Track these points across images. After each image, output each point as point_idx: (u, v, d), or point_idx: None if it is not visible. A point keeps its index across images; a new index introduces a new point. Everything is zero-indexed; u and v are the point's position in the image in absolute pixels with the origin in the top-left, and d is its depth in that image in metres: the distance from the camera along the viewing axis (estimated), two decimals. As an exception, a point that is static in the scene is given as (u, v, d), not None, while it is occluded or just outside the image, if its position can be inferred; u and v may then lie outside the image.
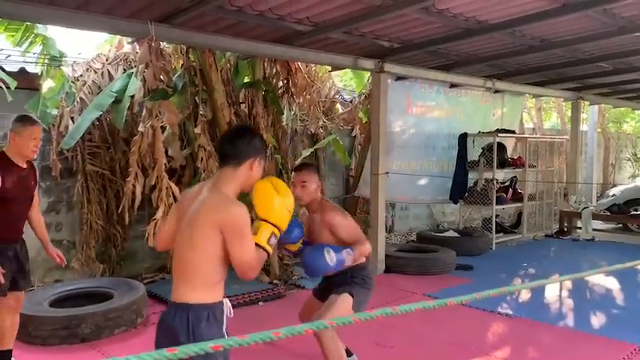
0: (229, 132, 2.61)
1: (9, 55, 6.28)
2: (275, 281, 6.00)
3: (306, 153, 7.74)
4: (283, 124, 7.16)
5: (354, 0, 4.38)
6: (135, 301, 4.46)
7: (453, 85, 8.11)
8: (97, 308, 4.29)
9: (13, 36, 6.03)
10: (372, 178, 6.73)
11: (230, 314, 2.19)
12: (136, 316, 4.47)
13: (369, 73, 7.87)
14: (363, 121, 8.52)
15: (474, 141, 8.45)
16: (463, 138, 8.27)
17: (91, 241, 5.91)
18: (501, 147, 8.59)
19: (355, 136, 8.84)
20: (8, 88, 5.43)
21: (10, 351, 3.61)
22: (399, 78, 7.34)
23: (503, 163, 8.66)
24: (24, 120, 3.39)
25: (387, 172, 6.70)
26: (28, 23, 5.73)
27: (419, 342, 4.31)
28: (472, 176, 8.47)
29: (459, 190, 8.33)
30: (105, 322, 4.19)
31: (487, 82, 8.09)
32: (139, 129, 5.53)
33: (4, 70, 5.68)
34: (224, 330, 2.13)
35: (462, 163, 8.26)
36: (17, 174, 3.37)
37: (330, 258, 2.93)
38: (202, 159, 6.01)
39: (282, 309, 5.19)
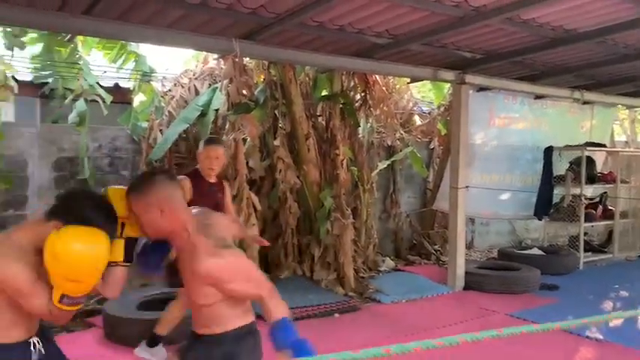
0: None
1: (105, 72, 6.75)
2: (350, 293, 5.99)
3: (383, 165, 7.70)
4: (360, 136, 7.18)
5: (435, 12, 4.33)
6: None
7: (538, 97, 7.79)
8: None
9: (108, 54, 6.49)
10: (451, 191, 6.58)
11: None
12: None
13: (448, 85, 7.74)
14: (442, 133, 8.36)
15: (560, 154, 8.06)
16: (549, 151, 7.90)
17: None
18: (590, 161, 8.12)
19: (433, 148, 8.70)
20: (104, 102, 5.83)
21: None
22: (481, 89, 7.15)
23: (593, 179, 8.17)
24: (205, 141, 4.09)
25: (467, 186, 6.53)
26: (122, 42, 6.14)
27: (500, 364, 4.14)
28: (558, 192, 8.07)
29: (544, 206, 7.95)
30: (188, 326, 4.33)
31: (575, 93, 7.70)
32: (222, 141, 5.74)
33: (100, 85, 6.11)
34: None
35: (548, 178, 7.89)
36: (205, 187, 3.90)
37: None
38: (281, 170, 6.15)
39: (357, 321, 5.17)
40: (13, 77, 5.24)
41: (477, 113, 7.08)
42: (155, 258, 2.10)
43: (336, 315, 5.33)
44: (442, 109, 8.41)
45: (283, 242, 6.48)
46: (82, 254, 1.79)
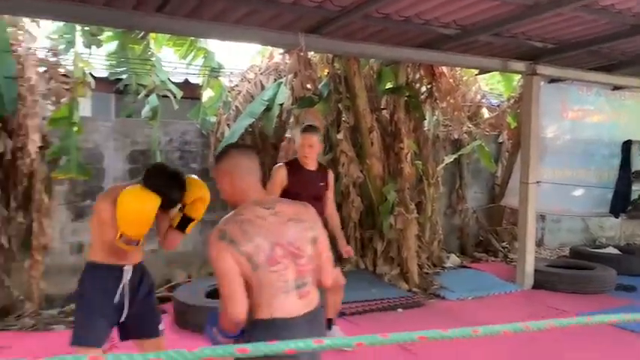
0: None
1: (175, 68, 6.98)
2: (414, 289, 5.93)
3: (449, 159, 7.54)
4: (425, 129, 7.06)
5: (505, 1, 4.19)
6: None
7: (616, 88, 7.37)
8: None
9: (179, 50, 6.71)
10: (521, 187, 6.36)
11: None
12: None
13: (518, 76, 7.47)
14: (512, 127, 8.09)
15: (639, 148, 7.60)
16: (627, 145, 7.46)
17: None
18: (674, 156, 7.62)
19: (502, 142, 8.43)
20: (175, 97, 6.03)
21: None
22: (553, 80, 6.85)
23: (676, 174, 7.66)
24: (301, 130, 4.21)
25: (538, 182, 6.29)
26: (192, 38, 6.32)
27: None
28: (637, 188, 7.62)
29: (622, 203, 7.53)
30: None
31: (658, 83, 7.23)
32: (286, 135, 5.81)
33: (171, 81, 6.33)
34: None
35: (626, 173, 7.46)
36: (304, 176, 3.94)
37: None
38: (344, 164, 6.15)
39: (421, 317, 5.11)
40: (91, 74, 5.50)
41: (548, 105, 6.80)
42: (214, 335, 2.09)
43: (400, 310, 5.29)
44: (512, 101, 8.13)
45: (346, 236, 6.46)
46: (132, 205, 2.44)
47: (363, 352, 3.82)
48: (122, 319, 2.70)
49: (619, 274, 6.27)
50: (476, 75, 7.76)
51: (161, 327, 2.83)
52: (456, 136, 7.89)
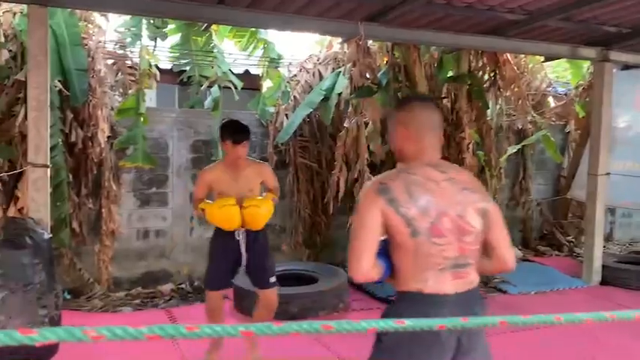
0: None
1: (235, 59, 7.08)
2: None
3: (512, 150, 7.30)
4: (488, 119, 6.85)
5: (576, -17, 3.99)
6: (338, 287, 4.70)
7: (698, 74, 6.90)
8: (305, 290, 4.62)
9: (239, 42, 6.80)
10: (589, 178, 6.08)
11: None
12: (339, 302, 4.70)
13: (588, 63, 7.12)
14: (580, 116, 7.73)
15: None
16: None
17: (299, 227, 6.37)
18: None
19: (569, 132, 8.08)
20: (236, 88, 6.13)
21: None
22: (626, 67, 6.48)
23: None
24: None
25: (608, 173, 5.99)
26: (253, 29, 6.40)
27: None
28: None
29: (700, 197, 7.06)
30: (311, 303, 4.49)
31: None
32: (344, 125, 5.79)
33: (232, 72, 6.43)
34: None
35: None
36: None
37: None
38: (402, 155, 6.07)
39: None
40: (156, 66, 5.68)
41: (620, 94, 6.44)
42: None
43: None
44: (580, 89, 7.76)
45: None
46: (215, 215, 3.34)
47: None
48: (240, 270, 3.45)
49: (696, 272, 5.89)
50: (542, 62, 7.46)
51: (272, 280, 3.46)
52: (520, 126, 7.64)
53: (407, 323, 1.14)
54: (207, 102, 6.05)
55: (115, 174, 5.36)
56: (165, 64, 6.65)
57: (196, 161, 6.02)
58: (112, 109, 5.38)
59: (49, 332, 0.87)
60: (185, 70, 6.61)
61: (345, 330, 1.01)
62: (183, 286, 5.73)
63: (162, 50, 6.44)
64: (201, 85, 6.23)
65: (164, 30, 5.94)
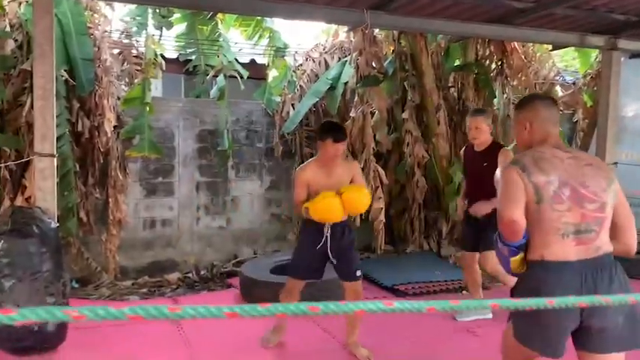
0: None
1: (241, 49, 7.06)
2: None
3: (519, 139, 7.26)
4: (495, 108, 6.81)
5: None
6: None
7: None
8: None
9: (245, 31, 6.78)
10: (596, 168, 6.03)
11: None
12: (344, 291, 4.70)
13: (596, 51, 7.05)
14: (588, 105, 7.67)
15: None
16: None
17: (305, 217, 6.36)
18: None
19: (577, 121, 8.00)
20: (242, 77, 6.12)
21: None
22: (634, 55, 6.42)
23: None
24: (471, 112, 4.53)
25: (615, 163, 5.95)
26: (259, 18, 6.37)
27: None
28: None
29: None
30: (318, 292, 4.49)
31: None
32: (350, 114, 5.78)
33: (238, 61, 6.41)
34: None
35: None
36: (471, 156, 4.34)
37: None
38: (408, 144, 6.06)
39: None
40: (162, 55, 5.66)
41: (629, 83, 6.41)
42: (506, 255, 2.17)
43: (464, 292, 5.19)
44: (588, 78, 7.69)
45: (409, 217, 6.42)
46: (319, 210, 3.29)
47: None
48: (329, 262, 3.55)
49: None
50: (550, 51, 7.39)
51: (358, 274, 3.54)
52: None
53: (395, 306, 1.14)
54: (213, 91, 6.04)
55: (121, 163, 5.37)
56: (171, 54, 6.64)
57: (202, 151, 6.04)
58: (118, 98, 5.38)
59: (28, 312, 0.87)
60: (191, 60, 6.60)
61: (332, 311, 1.03)
62: (189, 275, 5.76)
63: (167, 39, 6.43)
64: (207, 75, 6.22)
65: (170, 19, 5.93)
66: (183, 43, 6.66)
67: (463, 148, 4.60)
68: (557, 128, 2.25)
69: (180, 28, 6.56)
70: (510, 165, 2.13)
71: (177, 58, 6.69)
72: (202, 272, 5.79)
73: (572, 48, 7.46)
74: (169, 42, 6.57)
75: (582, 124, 7.89)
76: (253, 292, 4.57)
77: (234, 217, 6.20)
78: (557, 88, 8.04)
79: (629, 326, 2.03)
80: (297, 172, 3.58)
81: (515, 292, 2.21)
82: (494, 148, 4.19)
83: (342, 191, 3.33)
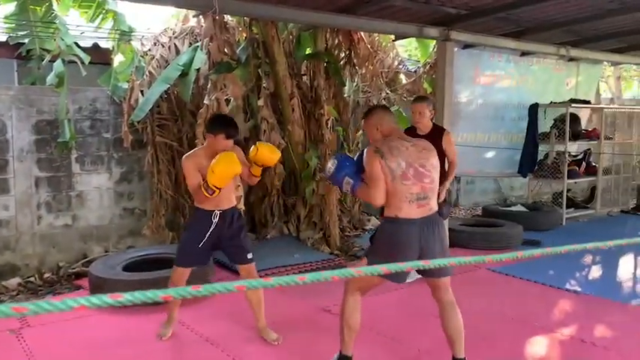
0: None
1: (83, 32, 6.56)
2: (336, 252, 6.05)
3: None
4: (345, 95, 7.11)
5: (419, -35, 4.24)
6: (202, 268, 4.62)
7: (523, 54, 7.74)
8: (168, 273, 4.47)
9: (86, 12, 6.31)
10: (435, 150, 6.57)
11: None
12: (202, 282, 4.62)
13: (434, 42, 7.65)
14: (428, 92, 8.31)
15: (545, 112, 8.07)
16: (534, 109, 7.90)
17: (161, 209, 6.15)
18: (574, 118, 8.15)
19: (419, 107, 8.64)
20: (83, 63, 5.69)
21: None
22: (467, 46, 7.08)
23: (577, 135, 8.23)
24: (414, 99, 4.89)
25: (451, 145, 6.53)
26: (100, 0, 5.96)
27: (479, 316, 4.23)
28: (543, 149, 8.13)
29: (529, 164, 8.01)
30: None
31: (561, 50, 7.65)
32: (204, 101, 5.65)
33: (78, 45, 5.95)
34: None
35: (532, 135, 7.92)
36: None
37: (329, 167, 3.11)
38: (265, 131, 6.10)
39: (342, 279, 5.23)
40: (-14, 38, 5.09)
41: (462, 71, 7.02)
42: (340, 175, 3.04)
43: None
44: (427, 67, 8.33)
45: (269, 202, 6.50)
46: (221, 164, 3.26)
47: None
48: (217, 247, 3.63)
49: (526, 230, 6.69)
50: (393, 41, 7.87)
51: (249, 256, 3.63)
52: (375, 102, 8.01)
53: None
54: (50, 78, 5.54)
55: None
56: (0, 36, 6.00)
57: (40, 143, 5.53)
58: None
59: None
60: (23, 43, 6.00)
61: (185, 295, 1.01)
62: (32, 279, 5.28)
63: (-7, 20, 5.79)
64: (43, 60, 5.69)
65: (-6, -3, 5.33)
66: (13, 25, 6.02)
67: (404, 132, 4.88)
68: (397, 125, 3.07)
69: (9, 8, 5.93)
70: (374, 153, 2.84)
71: (7, 42, 6.05)
72: (47, 275, 5.34)
73: (414, 39, 8.03)
74: (-4, 23, 5.92)
75: (424, 109, 8.53)
76: (103, 292, 4.30)
77: (81, 214, 5.79)
78: (402, 76, 8.61)
79: (442, 252, 2.96)
80: (185, 159, 3.51)
81: (375, 240, 3.01)
82: (436, 131, 4.60)
83: (257, 146, 3.56)
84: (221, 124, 3.52)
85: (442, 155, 4.55)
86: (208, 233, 3.52)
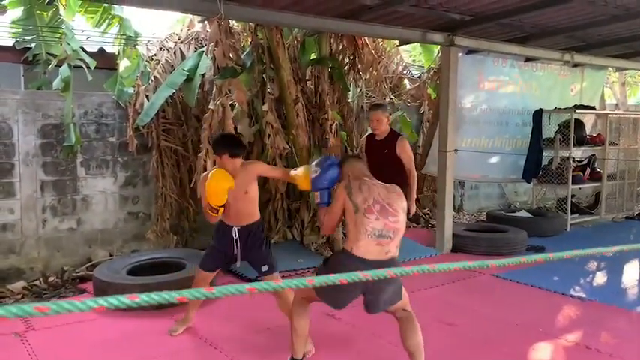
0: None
1: (89, 37, 6.61)
2: (340, 257, 6.04)
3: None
4: (349, 100, 7.13)
5: (423, -29, 4.26)
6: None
7: (528, 59, 7.75)
8: (171, 277, 4.51)
9: (92, 17, 6.34)
10: (439, 155, 6.59)
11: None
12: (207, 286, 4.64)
13: (438, 48, 7.67)
14: (432, 97, 8.33)
15: (549, 117, 8.07)
16: (538, 114, 7.90)
17: (166, 213, 6.17)
18: (579, 124, 8.14)
19: (423, 112, 8.66)
20: (89, 67, 5.73)
21: None
22: (470, 52, 7.10)
23: (581, 141, 8.22)
24: (371, 107, 5.23)
25: (455, 150, 6.54)
26: (105, 5, 6.00)
27: (483, 321, 4.23)
28: (547, 154, 8.12)
29: (533, 169, 8.01)
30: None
31: (565, 55, 7.66)
32: (209, 106, 5.67)
33: (84, 50, 5.99)
34: None
35: (537, 141, 7.91)
36: (372, 144, 4.95)
37: (314, 169, 3.27)
38: (269, 136, 6.12)
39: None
40: (-5, 42, 5.13)
41: (466, 76, 7.04)
42: (316, 187, 3.25)
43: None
44: (432, 72, 8.35)
45: (273, 207, 6.50)
46: (210, 181, 3.33)
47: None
48: (239, 260, 3.68)
49: (530, 235, 6.68)
50: (397, 47, 7.90)
51: (264, 269, 3.66)
52: (379, 107, 8.02)
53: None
54: (56, 82, 5.58)
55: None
56: (6, 41, 6.04)
57: (46, 147, 5.56)
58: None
59: None
60: (30, 48, 6.04)
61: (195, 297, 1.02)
62: (37, 283, 5.30)
63: (2, 25, 5.84)
64: (49, 64, 5.73)
65: (3, 2, 5.38)
66: (20, 30, 6.06)
67: (364, 137, 5.08)
68: (368, 171, 3.24)
69: (16, 13, 5.97)
70: (343, 189, 3.02)
71: (14, 46, 6.10)
72: (51, 279, 5.36)
73: (418, 44, 8.06)
74: (4, 28, 5.97)
75: (428, 114, 8.56)
76: (110, 295, 4.32)
77: (85, 218, 5.81)
78: (406, 81, 8.64)
79: (390, 296, 3.00)
80: (200, 182, 3.71)
81: (327, 264, 3.07)
82: (393, 136, 4.89)
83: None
84: (223, 144, 3.57)
85: (399, 161, 4.80)
86: (229, 246, 3.63)
